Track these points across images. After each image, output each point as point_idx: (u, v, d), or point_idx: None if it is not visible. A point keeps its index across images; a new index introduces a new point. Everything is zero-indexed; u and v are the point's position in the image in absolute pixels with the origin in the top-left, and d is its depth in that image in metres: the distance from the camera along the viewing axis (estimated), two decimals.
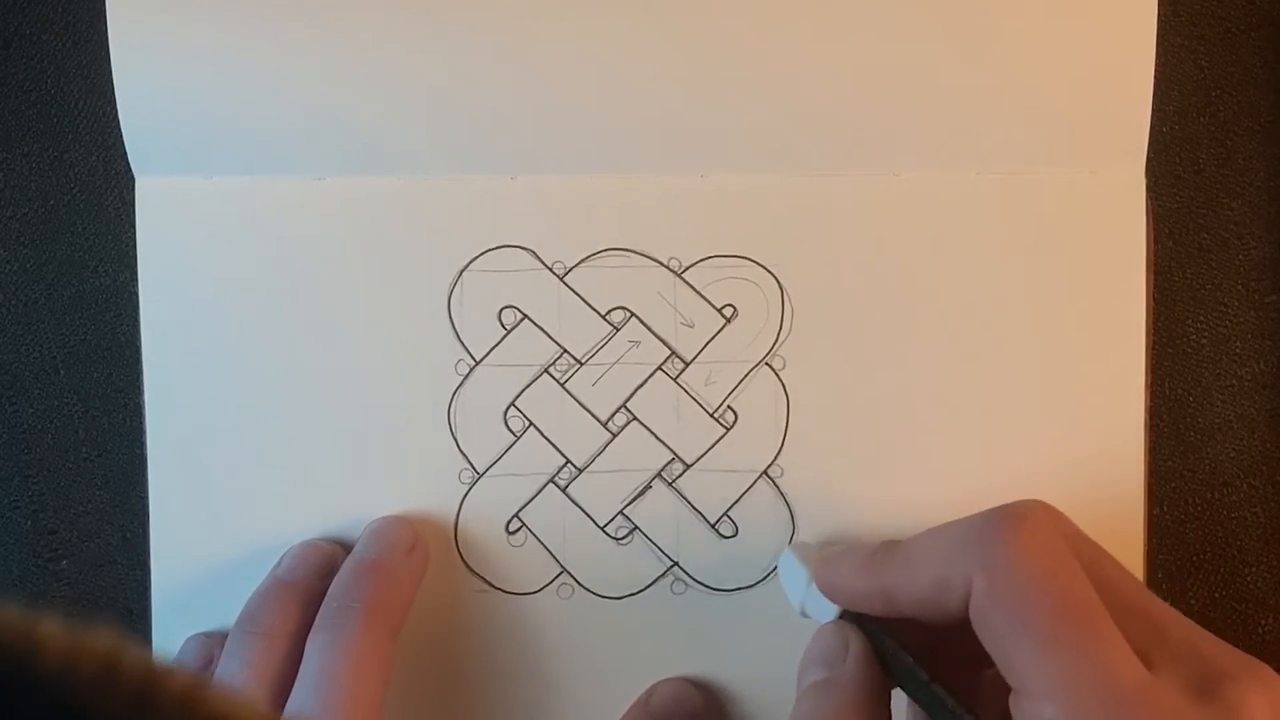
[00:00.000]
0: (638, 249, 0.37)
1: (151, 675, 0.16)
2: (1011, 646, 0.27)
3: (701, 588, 0.37)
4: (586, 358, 0.37)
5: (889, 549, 0.30)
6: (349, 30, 0.35)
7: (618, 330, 0.37)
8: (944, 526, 0.29)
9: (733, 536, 0.37)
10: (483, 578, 0.38)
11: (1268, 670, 0.27)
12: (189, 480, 0.37)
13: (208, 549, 0.37)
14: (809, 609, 0.33)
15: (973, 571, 0.27)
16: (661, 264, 0.37)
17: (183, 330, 0.37)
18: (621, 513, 0.37)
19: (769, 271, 0.37)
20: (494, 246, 0.37)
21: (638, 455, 0.37)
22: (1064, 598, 0.26)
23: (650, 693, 0.37)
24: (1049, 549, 0.27)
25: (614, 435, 0.37)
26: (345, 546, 0.37)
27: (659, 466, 0.37)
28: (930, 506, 0.36)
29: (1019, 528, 0.28)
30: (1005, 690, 0.27)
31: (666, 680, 0.37)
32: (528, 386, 0.37)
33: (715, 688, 0.38)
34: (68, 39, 0.38)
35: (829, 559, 0.33)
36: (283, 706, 0.33)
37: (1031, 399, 0.37)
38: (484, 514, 0.37)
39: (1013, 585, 0.27)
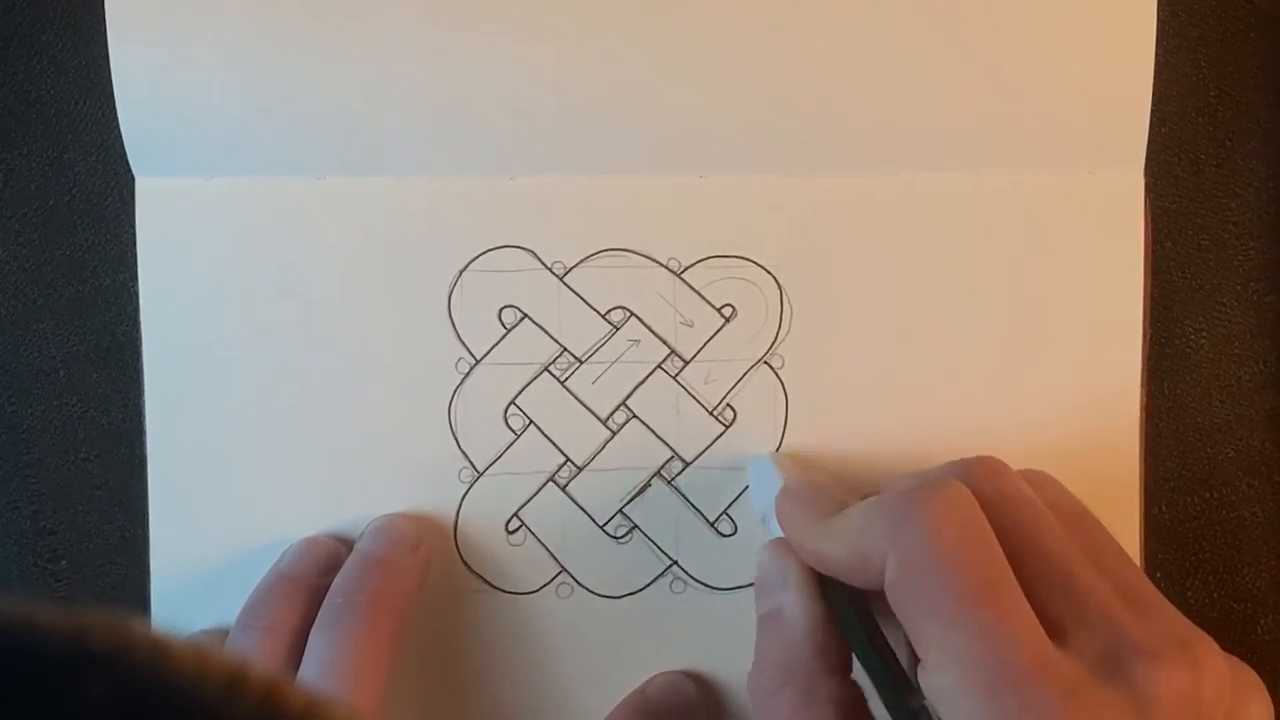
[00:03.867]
0: (637, 249, 0.37)
1: (275, 689, 0.16)
2: (916, 620, 0.27)
3: (701, 586, 0.37)
4: (586, 356, 0.37)
5: (829, 516, 0.31)
6: (349, 30, 0.35)
7: (617, 329, 0.37)
8: (869, 502, 0.30)
9: (732, 535, 0.37)
10: (482, 577, 0.38)
11: (1203, 650, 0.27)
12: (188, 480, 0.37)
13: (207, 549, 0.37)
14: (769, 523, 0.33)
15: (886, 549, 0.28)
16: (661, 264, 0.37)
17: (183, 330, 0.37)
18: (621, 511, 0.37)
19: (768, 271, 0.37)
20: (494, 246, 0.37)
21: (637, 453, 0.37)
22: (967, 574, 0.27)
23: (646, 685, 0.37)
24: (957, 525, 0.27)
25: (614, 433, 0.37)
26: (347, 544, 0.37)
27: (658, 465, 0.37)
28: None
29: (928, 505, 0.28)
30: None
31: (662, 673, 0.37)
32: (528, 385, 0.37)
33: (714, 685, 0.38)
34: (67, 39, 0.38)
35: (790, 495, 0.33)
36: None
37: (1029, 398, 0.37)
38: (483, 513, 0.37)
39: (918, 563, 0.27)
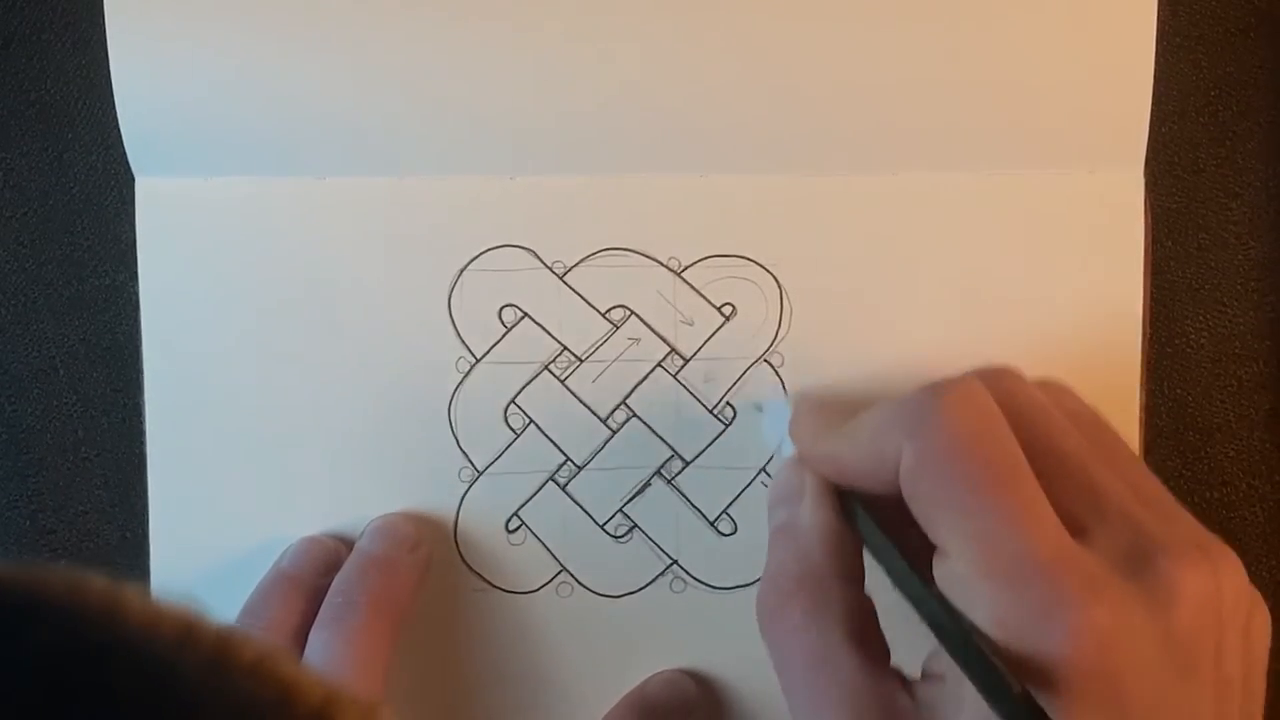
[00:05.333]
0: (637, 249, 0.37)
1: (226, 641, 0.16)
2: (933, 513, 0.27)
3: (701, 586, 0.37)
4: (586, 355, 0.37)
5: (843, 424, 0.30)
6: (348, 30, 0.35)
7: (617, 328, 0.37)
8: (883, 403, 0.29)
9: (732, 534, 0.37)
10: (482, 576, 0.37)
11: (1225, 554, 0.26)
12: (189, 480, 0.37)
13: (207, 549, 0.37)
14: (784, 451, 0.33)
15: (901, 443, 0.27)
16: (661, 263, 0.37)
17: (183, 330, 0.37)
18: (621, 510, 0.37)
19: (768, 271, 0.37)
20: (494, 246, 0.37)
21: (637, 452, 0.37)
22: (985, 465, 0.26)
23: (645, 683, 0.37)
24: (974, 417, 0.27)
25: (614, 432, 0.37)
26: (346, 544, 0.37)
27: (658, 464, 0.37)
28: None
29: (944, 399, 0.27)
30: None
31: (661, 671, 0.37)
32: (528, 384, 0.37)
33: (714, 684, 0.38)
34: (67, 39, 0.38)
35: (805, 409, 0.32)
36: None
37: None
38: (483, 512, 0.37)
39: (935, 454, 0.27)
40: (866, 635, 0.29)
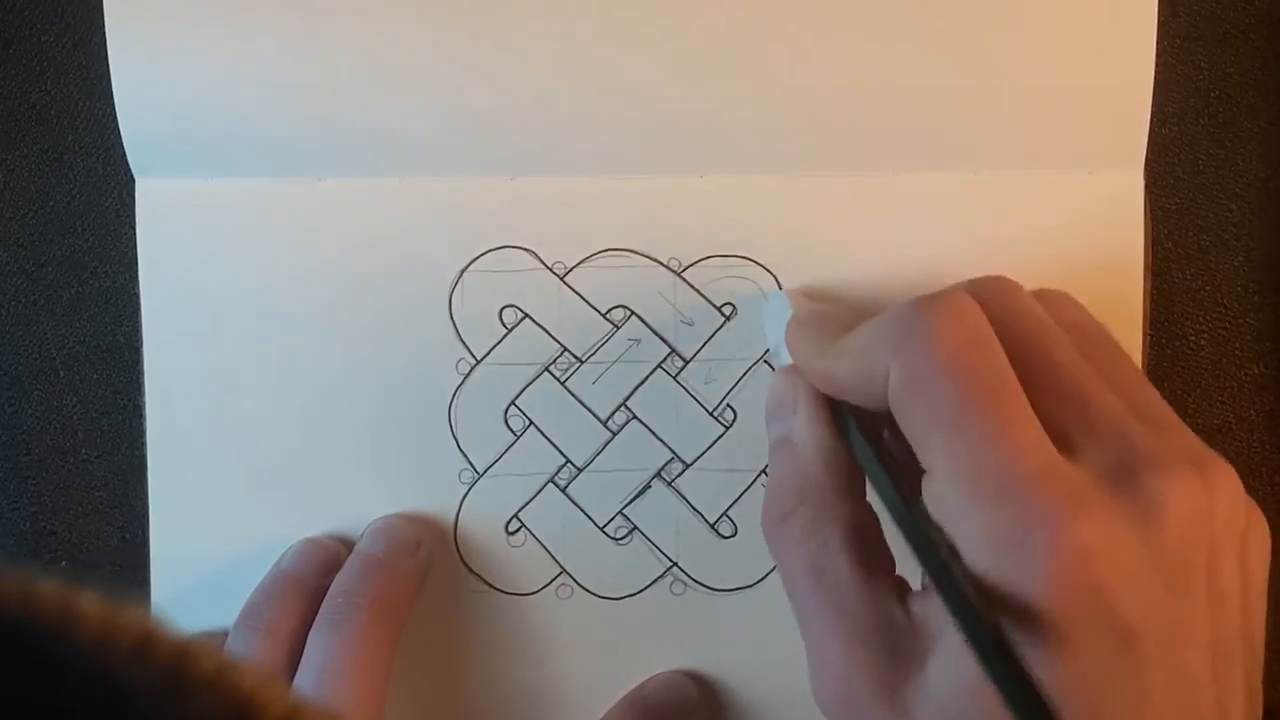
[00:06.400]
0: (638, 249, 0.37)
1: (185, 653, 0.16)
2: (919, 431, 0.26)
3: (701, 588, 0.37)
4: (587, 356, 0.37)
5: (837, 339, 0.30)
6: (349, 31, 0.35)
7: (618, 329, 0.37)
8: (874, 319, 0.29)
9: (732, 536, 0.37)
10: (482, 578, 0.37)
11: (1220, 468, 0.26)
12: (189, 481, 0.37)
13: (208, 550, 0.37)
14: (780, 355, 0.33)
15: (889, 360, 0.27)
16: (661, 264, 0.37)
17: (183, 331, 0.37)
18: (621, 513, 0.37)
19: (768, 271, 0.37)
20: (495, 247, 0.37)
21: (637, 454, 0.37)
22: (969, 382, 0.26)
23: (644, 683, 0.37)
24: (960, 333, 0.27)
25: (614, 434, 0.37)
26: (347, 545, 0.37)
27: (658, 466, 0.37)
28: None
29: (930, 315, 0.27)
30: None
31: (661, 672, 0.37)
32: (528, 385, 0.37)
33: (713, 686, 0.38)
34: (67, 39, 0.38)
35: (799, 321, 0.32)
36: None
37: None
38: (483, 514, 0.37)
39: (921, 371, 0.26)
40: (866, 546, 0.29)
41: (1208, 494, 0.25)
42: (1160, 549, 0.25)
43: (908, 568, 0.29)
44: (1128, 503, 0.25)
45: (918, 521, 0.26)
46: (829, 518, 0.29)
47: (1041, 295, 0.30)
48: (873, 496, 0.29)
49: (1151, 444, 0.26)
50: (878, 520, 0.29)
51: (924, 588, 0.28)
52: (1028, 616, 0.24)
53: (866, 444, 0.29)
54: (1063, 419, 0.26)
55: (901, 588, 0.28)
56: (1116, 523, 0.25)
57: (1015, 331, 0.28)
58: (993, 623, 0.24)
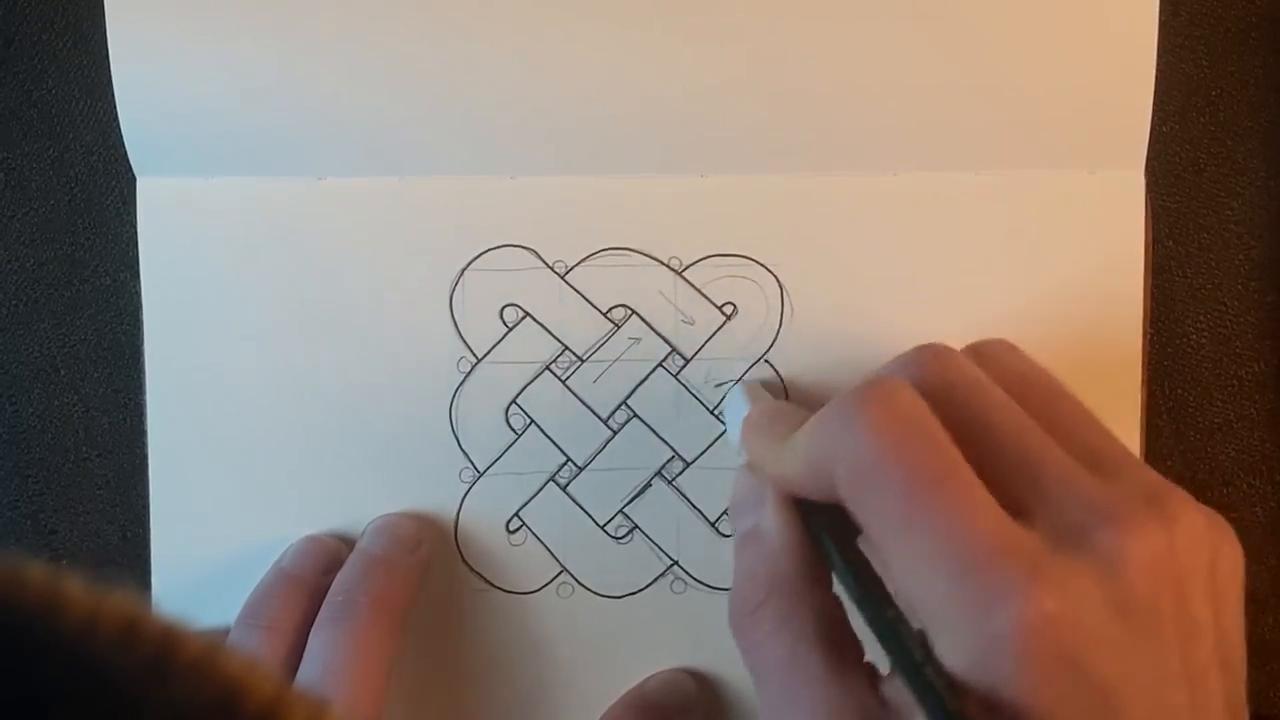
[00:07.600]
0: (638, 248, 0.37)
1: (170, 638, 0.16)
2: (873, 529, 0.26)
3: (701, 586, 0.37)
4: (588, 355, 0.37)
5: (786, 438, 0.29)
6: (349, 31, 0.35)
7: (619, 328, 0.37)
8: (815, 415, 0.28)
9: (732, 535, 0.37)
10: (483, 576, 0.38)
11: (1176, 500, 0.25)
12: (189, 480, 0.37)
13: (208, 549, 0.37)
14: (742, 452, 0.33)
15: (834, 462, 0.27)
16: (662, 263, 0.37)
17: (184, 330, 0.37)
18: (621, 511, 0.37)
19: (769, 270, 0.37)
20: (495, 246, 0.37)
21: (638, 453, 0.37)
22: (915, 469, 0.25)
23: (645, 682, 0.37)
24: (897, 422, 0.26)
25: (614, 433, 0.37)
26: (347, 543, 0.37)
27: (659, 464, 0.37)
28: None
29: (864, 409, 0.26)
30: None
31: (661, 670, 0.37)
32: (529, 384, 0.37)
33: (713, 684, 0.38)
34: (68, 39, 0.38)
35: (751, 423, 0.32)
36: None
37: None
38: (484, 513, 0.37)
39: (863, 467, 0.26)
40: (836, 637, 0.28)
41: (1167, 534, 0.25)
42: (1126, 600, 0.25)
43: (876, 651, 0.28)
44: (1088, 563, 0.25)
45: (884, 615, 0.26)
46: (799, 611, 0.29)
47: (977, 349, 0.30)
48: (839, 585, 0.29)
49: (1103, 496, 0.26)
50: (845, 611, 0.29)
51: (891, 671, 0.28)
52: (1005, 693, 0.24)
53: (833, 543, 0.29)
54: (1012, 484, 0.26)
55: (871, 673, 0.28)
56: (1080, 583, 0.24)
57: (954, 401, 0.27)
58: (958, 709, 0.24)
